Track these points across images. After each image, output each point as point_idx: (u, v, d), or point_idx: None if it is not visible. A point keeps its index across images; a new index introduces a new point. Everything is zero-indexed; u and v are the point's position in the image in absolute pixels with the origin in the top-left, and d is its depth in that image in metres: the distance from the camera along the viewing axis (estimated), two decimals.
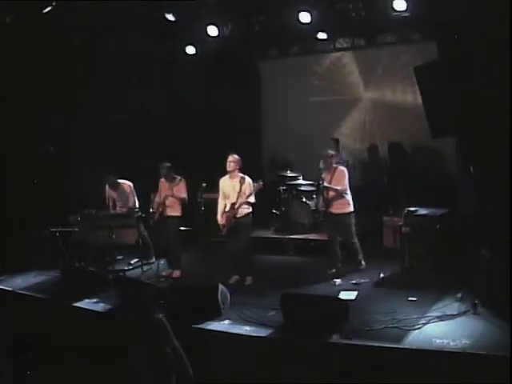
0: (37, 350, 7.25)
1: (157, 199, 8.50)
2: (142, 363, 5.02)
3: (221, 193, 7.87)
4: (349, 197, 7.95)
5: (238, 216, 7.69)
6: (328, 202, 7.92)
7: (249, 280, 7.83)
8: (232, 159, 7.71)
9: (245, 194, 7.62)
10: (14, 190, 9.37)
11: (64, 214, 9.26)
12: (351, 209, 7.95)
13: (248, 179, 7.71)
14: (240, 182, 7.64)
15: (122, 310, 6.98)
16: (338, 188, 7.85)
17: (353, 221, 7.97)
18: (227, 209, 7.74)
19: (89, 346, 6.78)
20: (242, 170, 7.83)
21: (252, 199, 7.69)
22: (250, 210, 7.79)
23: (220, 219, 7.80)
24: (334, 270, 7.94)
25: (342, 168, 8.09)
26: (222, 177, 7.89)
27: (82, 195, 9.24)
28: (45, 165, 9.83)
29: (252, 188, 7.67)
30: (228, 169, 7.72)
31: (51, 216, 9.23)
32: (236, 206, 7.64)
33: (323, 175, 8.15)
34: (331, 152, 8.27)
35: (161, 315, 5.10)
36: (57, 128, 10.01)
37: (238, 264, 7.89)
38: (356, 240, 8.01)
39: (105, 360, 6.34)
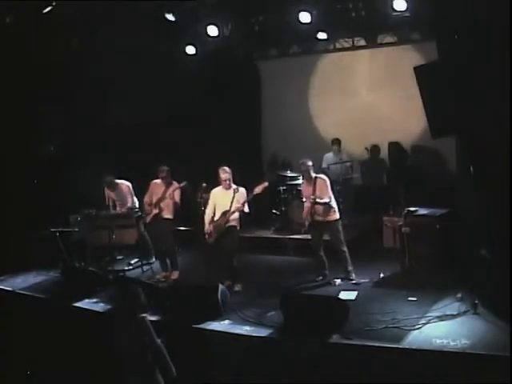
0: (36, 350, 7.28)
1: (146, 199, 8.46)
2: (126, 361, 5.04)
3: (210, 203, 7.72)
4: (335, 204, 7.71)
5: (228, 225, 7.57)
6: (315, 214, 7.66)
7: (238, 287, 7.65)
8: (225, 175, 7.56)
9: (238, 202, 7.50)
10: (14, 190, 9.37)
11: (64, 213, 9.27)
12: (338, 216, 7.72)
13: (242, 189, 7.58)
14: (234, 191, 7.54)
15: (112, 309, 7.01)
16: (326, 201, 7.58)
17: (340, 228, 7.75)
18: (216, 218, 7.62)
19: (89, 345, 6.79)
20: (240, 173, 7.81)
21: (246, 209, 7.55)
22: (239, 221, 7.66)
23: (208, 227, 7.66)
24: (320, 278, 7.79)
25: (323, 177, 7.79)
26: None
27: (81, 195, 9.23)
28: (45, 165, 9.84)
29: (246, 197, 7.52)
30: (224, 184, 7.59)
31: (51, 216, 9.24)
32: (228, 215, 7.52)
33: (303, 187, 7.97)
34: (308, 162, 7.80)
35: (143, 314, 5.11)
36: (57, 128, 10.01)
37: (225, 271, 7.73)
38: (346, 249, 7.74)
39: (104, 359, 6.33)
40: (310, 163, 7.84)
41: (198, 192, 8.24)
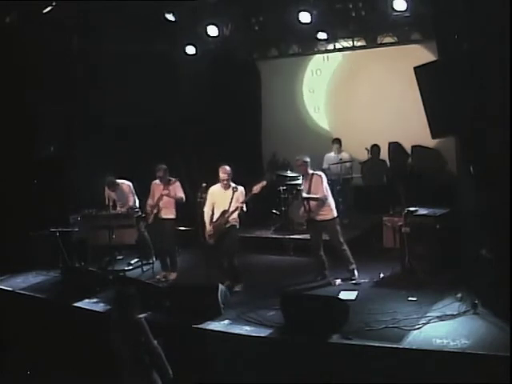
0: (36, 350, 7.28)
1: (150, 202, 8.48)
2: (123, 362, 5.04)
3: (208, 201, 7.64)
4: (331, 202, 7.67)
5: (228, 225, 7.53)
6: (310, 211, 7.64)
7: (238, 287, 7.63)
8: (224, 174, 7.50)
9: (237, 201, 7.44)
10: (14, 190, 9.37)
11: (64, 213, 9.27)
12: (335, 214, 7.67)
13: (241, 188, 7.53)
14: (233, 190, 7.47)
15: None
16: (318, 196, 7.54)
17: (338, 227, 7.71)
18: (215, 218, 7.57)
19: (88, 345, 6.79)
20: (240, 173, 7.79)
21: (244, 207, 7.49)
22: (238, 220, 7.61)
23: (209, 228, 7.60)
24: (320, 278, 7.76)
25: (319, 173, 7.74)
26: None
27: (81, 195, 9.23)
28: (45, 165, 9.84)
29: (244, 197, 7.47)
30: (223, 183, 7.54)
31: (51, 216, 9.23)
32: (227, 215, 7.48)
33: (301, 184, 7.92)
34: (304, 159, 7.72)
35: (139, 316, 5.10)
36: (57, 128, 10.01)
37: (225, 271, 7.70)
38: (346, 247, 7.69)
39: (104, 359, 6.34)
40: (307, 159, 7.75)
41: (198, 192, 8.24)
